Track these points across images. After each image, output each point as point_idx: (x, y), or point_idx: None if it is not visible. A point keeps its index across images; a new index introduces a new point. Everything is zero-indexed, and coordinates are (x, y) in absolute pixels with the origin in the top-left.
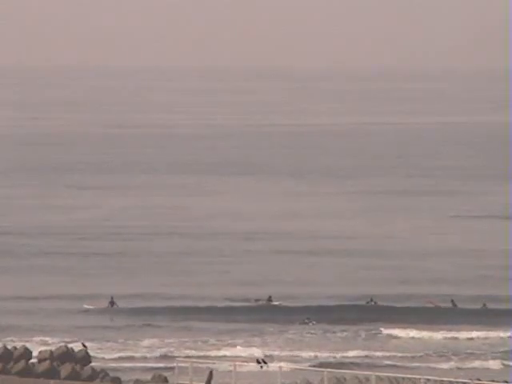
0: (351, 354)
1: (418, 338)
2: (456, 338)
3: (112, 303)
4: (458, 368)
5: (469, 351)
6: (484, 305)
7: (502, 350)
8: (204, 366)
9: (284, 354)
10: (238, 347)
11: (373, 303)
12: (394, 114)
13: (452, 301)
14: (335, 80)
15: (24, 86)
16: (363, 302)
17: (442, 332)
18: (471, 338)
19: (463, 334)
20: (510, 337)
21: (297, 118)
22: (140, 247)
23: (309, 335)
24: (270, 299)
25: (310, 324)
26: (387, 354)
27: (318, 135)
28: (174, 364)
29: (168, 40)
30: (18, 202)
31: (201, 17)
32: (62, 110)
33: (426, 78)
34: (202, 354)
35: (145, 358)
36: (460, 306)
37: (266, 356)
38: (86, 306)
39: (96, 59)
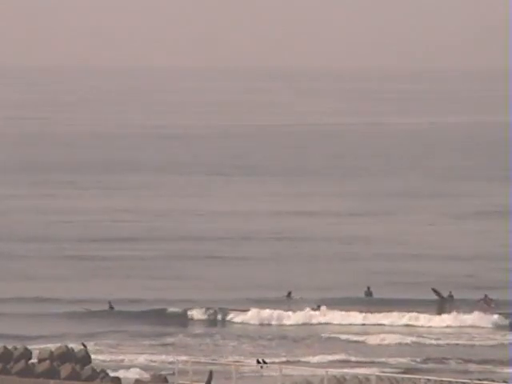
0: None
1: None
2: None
3: (111, 307)
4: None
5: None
6: (485, 297)
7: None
8: (204, 366)
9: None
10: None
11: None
12: (393, 114)
13: (450, 292)
14: (335, 80)
15: (23, 86)
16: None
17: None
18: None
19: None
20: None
21: (296, 118)
22: (139, 250)
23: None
24: (289, 295)
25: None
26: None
27: (317, 135)
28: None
29: (168, 40)
30: (10, 203)
31: (201, 17)
32: (61, 110)
33: (425, 78)
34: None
35: (145, 359)
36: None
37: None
38: (83, 308)
39: (96, 59)
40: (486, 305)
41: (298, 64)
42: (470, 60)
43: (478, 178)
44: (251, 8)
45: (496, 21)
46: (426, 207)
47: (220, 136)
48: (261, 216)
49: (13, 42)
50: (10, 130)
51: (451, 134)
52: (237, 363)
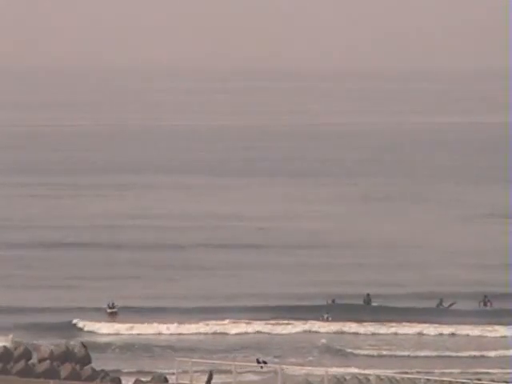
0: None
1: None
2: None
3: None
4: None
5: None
6: (485, 298)
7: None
8: (204, 365)
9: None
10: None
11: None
12: (393, 114)
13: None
14: (333, 80)
15: (24, 86)
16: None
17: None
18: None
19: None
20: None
21: (296, 118)
22: (141, 253)
23: None
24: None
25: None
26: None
27: (315, 135)
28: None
29: (168, 40)
30: (6, 203)
31: (200, 17)
32: (60, 110)
33: (425, 78)
34: None
35: (145, 358)
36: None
37: None
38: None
39: (95, 59)
40: (484, 306)
41: (297, 64)
42: (470, 60)
43: (477, 178)
44: (251, 7)
45: (496, 21)
46: (424, 208)
47: (220, 136)
48: (259, 217)
49: (13, 41)
50: (10, 130)
51: (450, 134)
52: (236, 363)
